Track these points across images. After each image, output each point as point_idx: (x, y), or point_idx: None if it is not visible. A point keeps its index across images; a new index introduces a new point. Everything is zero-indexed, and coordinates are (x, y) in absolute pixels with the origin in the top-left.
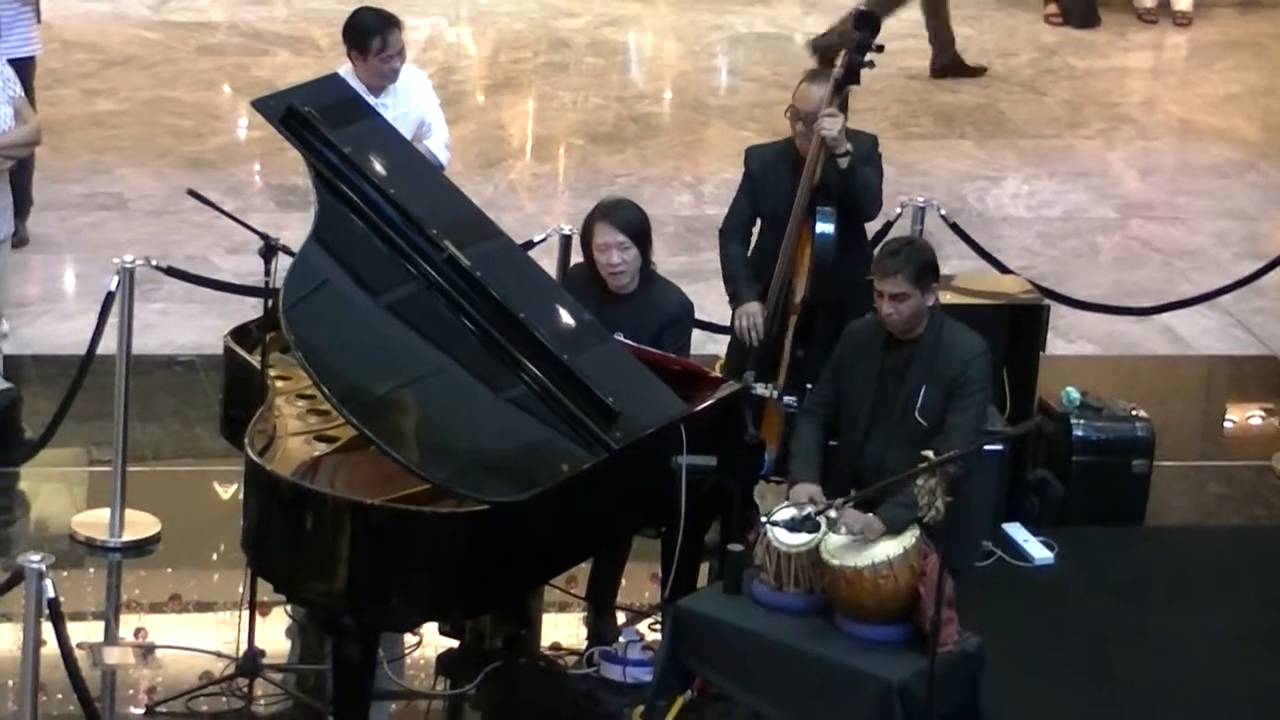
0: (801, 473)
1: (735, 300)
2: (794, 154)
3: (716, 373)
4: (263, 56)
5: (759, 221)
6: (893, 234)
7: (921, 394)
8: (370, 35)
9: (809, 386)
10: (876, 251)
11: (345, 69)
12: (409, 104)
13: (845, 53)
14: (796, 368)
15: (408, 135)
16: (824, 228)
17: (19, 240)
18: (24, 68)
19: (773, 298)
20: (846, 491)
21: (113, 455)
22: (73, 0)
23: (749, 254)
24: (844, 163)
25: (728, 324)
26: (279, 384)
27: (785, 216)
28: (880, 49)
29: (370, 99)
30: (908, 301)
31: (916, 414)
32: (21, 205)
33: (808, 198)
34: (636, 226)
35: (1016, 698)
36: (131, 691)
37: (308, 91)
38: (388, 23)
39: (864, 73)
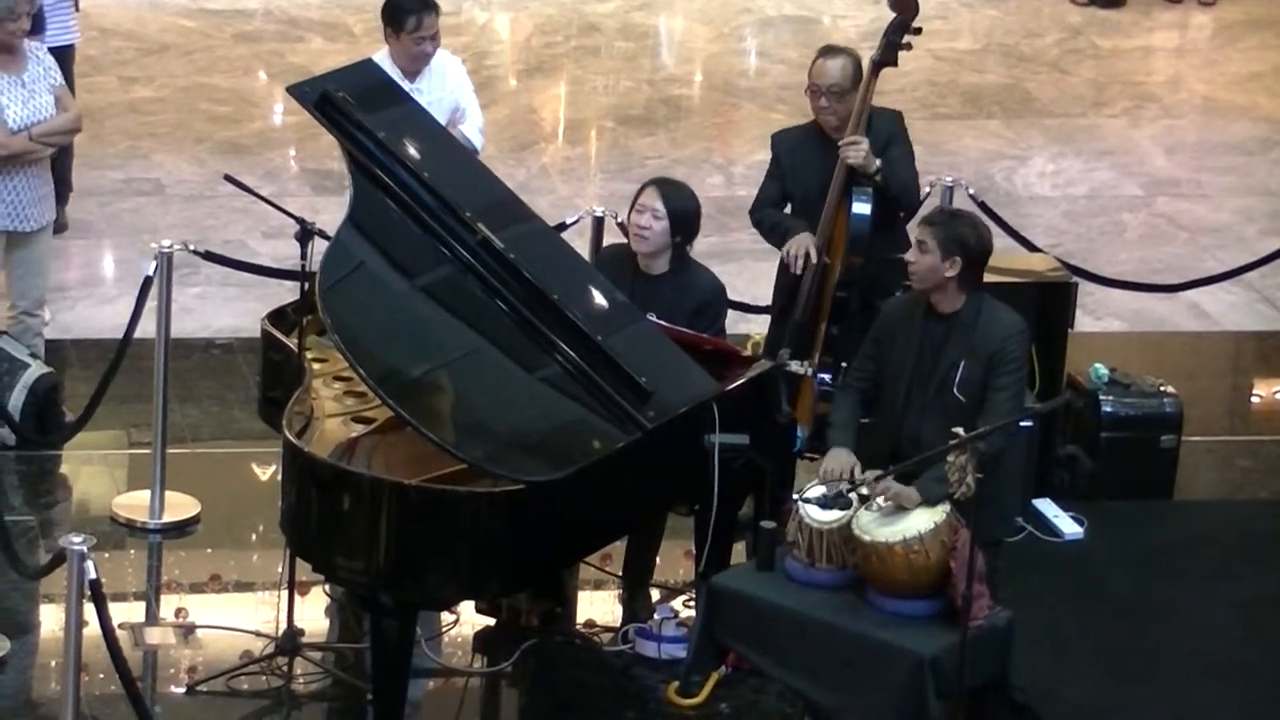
0: (837, 440)
1: (785, 236)
2: (820, 134)
3: (748, 352)
4: (298, 43)
5: (789, 205)
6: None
7: (960, 369)
8: (406, 14)
9: (844, 364)
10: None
11: (380, 54)
12: (444, 89)
13: (883, 34)
14: (831, 345)
15: (442, 120)
16: (860, 208)
17: (58, 226)
18: (64, 55)
19: (809, 275)
20: (884, 466)
21: (152, 438)
22: None
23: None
24: (879, 179)
25: (760, 304)
26: (316, 366)
27: (816, 198)
28: (918, 31)
29: (405, 84)
30: (926, 255)
31: (955, 389)
32: (61, 191)
33: (844, 177)
34: (679, 206)
35: (1047, 671)
36: (172, 671)
37: (342, 77)
38: (425, 4)
39: (899, 54)
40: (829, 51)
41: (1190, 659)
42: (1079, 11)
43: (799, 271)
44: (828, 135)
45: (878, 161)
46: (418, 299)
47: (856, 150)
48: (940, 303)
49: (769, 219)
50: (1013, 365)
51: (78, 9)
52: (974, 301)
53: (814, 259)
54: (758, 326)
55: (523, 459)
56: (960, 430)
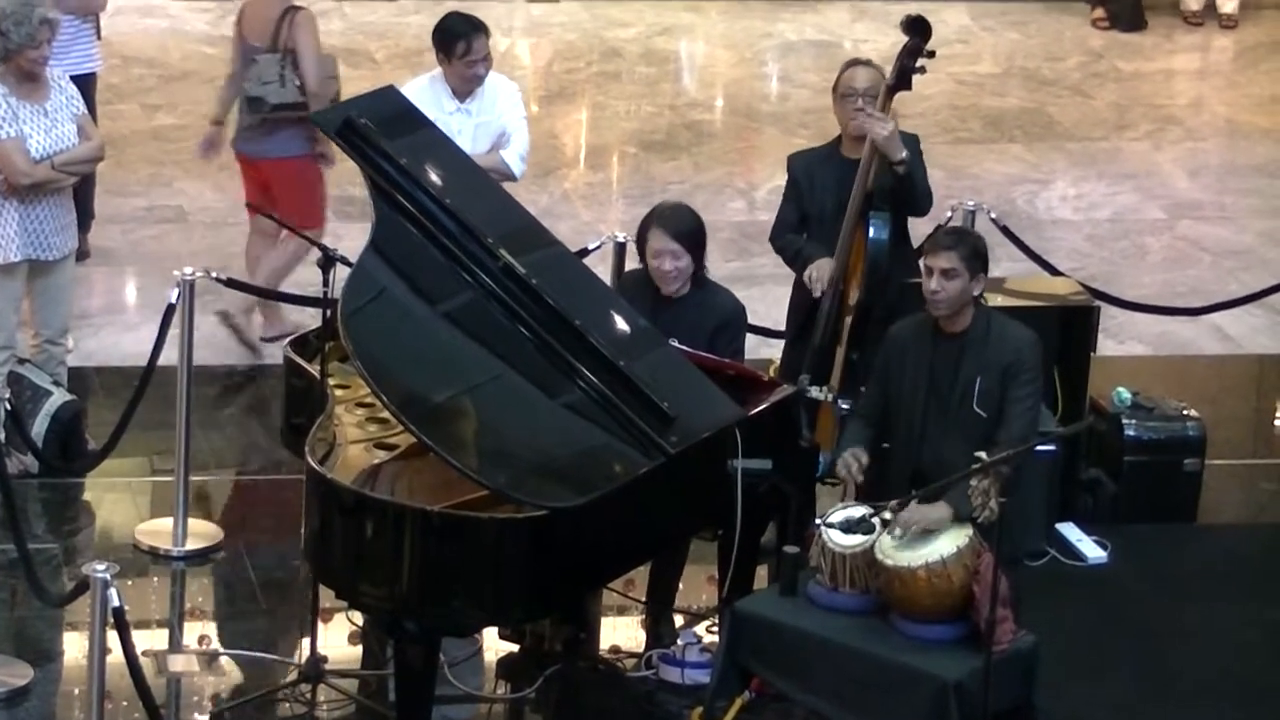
0: (848, 444)
1: (805, 262)
2: (836, 155)
3: (770, 376)
4: None
5: (806, 225)
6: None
7: (978, 384)
8: (455, 39)
9: (863, 389)
10: (930, 234)
11: (434, 72)
12: (492, 112)
13: (896, 58)
14: (851, 370)
15: (487, 143)
16: (878, 232)
17: (81, 254)
18: (86, 84)
19: (827, 301)
20: (905, 491)
21: (175, 465)
22: (133, 17)
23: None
24: (901, 170)
25: (781, 328)
26: (339, 392)
27: (832, 219)
28: (932, 54)
29: (455, 103)
30: (955, 280)
31: (975, 405)
32: (83, 219)
33: (861, 202)
34: (690, 233)
35: (1071, 695)
36: (196, 698)
37: (364, 104)
38: (474, 27)
39: (914, 78)
40: (856, 62)
41: (1215, 682)
42: (1100, 35)
43: (819, 294)
44: (844, 156)
45: (904, 152)
46: (440, 325)
47: (883, 125)
48: (953, 323)
49: (789, 246)
50: (1028, 375)
51: (99, 37)
52: (982, 316)
53: (824, 284)
54: (779, 351)
55: (546, 485)
56: (982, 454)
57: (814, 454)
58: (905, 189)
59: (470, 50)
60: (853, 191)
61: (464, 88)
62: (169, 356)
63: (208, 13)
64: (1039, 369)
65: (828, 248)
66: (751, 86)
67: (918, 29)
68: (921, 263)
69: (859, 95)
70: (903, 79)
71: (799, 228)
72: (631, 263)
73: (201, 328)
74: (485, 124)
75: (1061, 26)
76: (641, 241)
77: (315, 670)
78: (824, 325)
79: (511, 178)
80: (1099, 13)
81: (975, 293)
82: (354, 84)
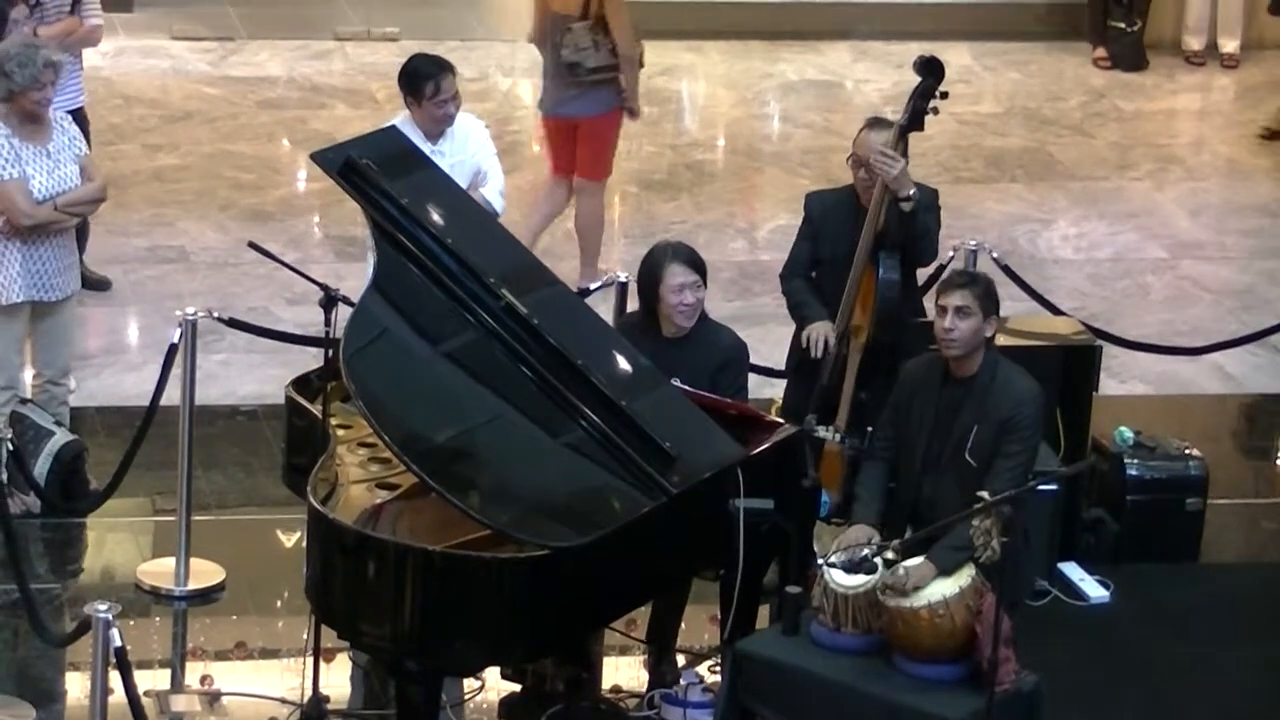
0: (861, 514)
1: (804, 320)
2: (854, 200)
3: (773, 416)
4: (321, 110)
5: (818, 267)
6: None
7: (974, 434)
8: (424, 80)
9: (870, 429)
10: (943, 277)
11: (401, 117)
12: (465, 151)
13: (909, 98)
14: (858, 410)
15: (464, 182)
16: (888, 273)
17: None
18: (77, 118)
19: (835, 341)
20: (903, 530)
21: (177, 505)
22: (135, 57)
23: None
24: (907, 207)
25: (782, 368)
26: (340, 432)
27: (844, 261)
28: (945, 95)
29: (427, 145)
30: (970, 319)
31: (967, 454)
32: (80, 243)
33: (871, 243)
34: (701, 263)
35: None
36: None
37: (365, 143)
38: (441, 67)
39: (926, 118)
40: (876, 124)
41: None
42: (1102, 74)
43: (818, 356)
44: (861, 203)
45: (913, 189)
46: (441, 364)
47: (892, 164)
48: (962, 366)
49: (794, 295)
50: (1023, 434)
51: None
52: (989, 363)
53: (832, 348)
54: (781, 390)
55: (547, 525)
56: (985, 494)
57: (816, 493)
58: (910, 229)
59: (440, 90)
60: (863, 231)
61: (435, 129)
62: (171, 396)
63: (209, 53)
64: (1037, 426)
65: (837, 292)
66: (752, 126)
67: (931, 70)
68: (934, 303)
69: (863, 164)
70: (915, 120)
71: (811, 267)
72: (634, 303)
73: (203, 367)
74: (460, 163)
75: (1063, 66)
76: (651, 283)
77: (317, 710)
78: (830, 365)
79: (495, 214)
80: (1100, 52)
81: (988, 334)
82: (356, 124)
